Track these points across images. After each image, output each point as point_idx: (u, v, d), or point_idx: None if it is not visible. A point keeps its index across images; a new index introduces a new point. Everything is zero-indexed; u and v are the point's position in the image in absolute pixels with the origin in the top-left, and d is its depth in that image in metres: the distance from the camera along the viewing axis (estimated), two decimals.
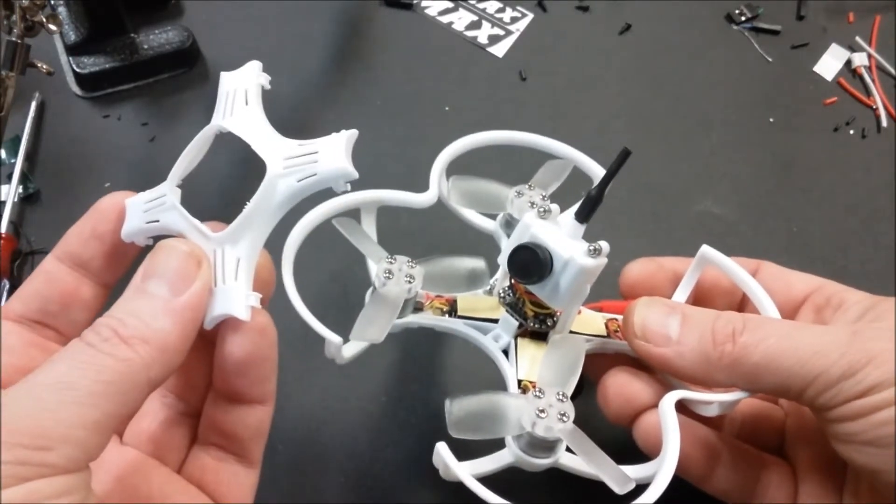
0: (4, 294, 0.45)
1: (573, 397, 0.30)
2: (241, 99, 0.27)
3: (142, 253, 0.28)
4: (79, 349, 0.23)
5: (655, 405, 0.31)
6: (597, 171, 0.37)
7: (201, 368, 0.28)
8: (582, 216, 0.30)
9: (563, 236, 0.30)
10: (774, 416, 0.37)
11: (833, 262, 0.50)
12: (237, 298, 0.25)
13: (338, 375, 0.43)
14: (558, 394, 0.29)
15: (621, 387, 0.34)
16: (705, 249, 0.36)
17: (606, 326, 0.36)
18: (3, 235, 0.47)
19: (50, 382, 0.22)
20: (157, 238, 0.27)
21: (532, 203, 0.34)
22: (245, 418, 0.28)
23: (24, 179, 0.50)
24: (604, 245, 0.29)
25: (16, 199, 0.49)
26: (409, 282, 0.32)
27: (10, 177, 0.49)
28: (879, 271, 0.49)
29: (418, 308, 0.35)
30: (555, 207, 0.31)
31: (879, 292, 0.49)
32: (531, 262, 0.30)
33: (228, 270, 0.25)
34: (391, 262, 0.32)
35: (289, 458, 0.41)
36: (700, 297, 0.38)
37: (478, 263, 0.34)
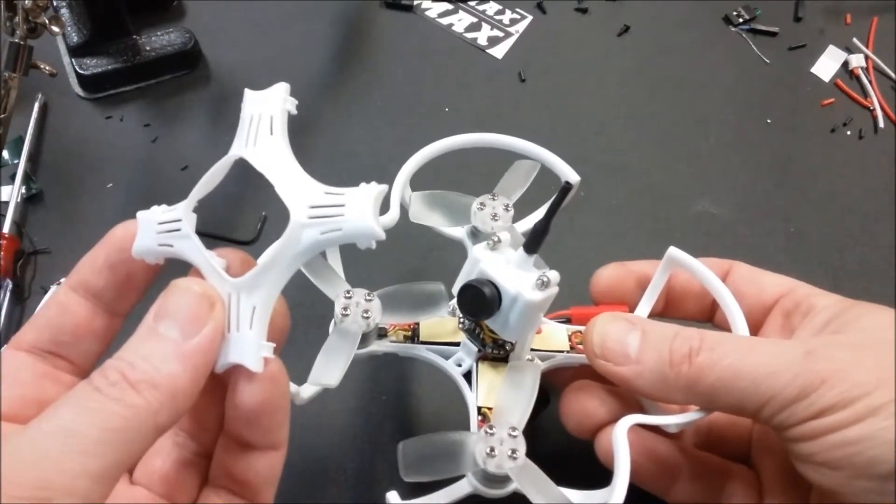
0: (7, 293, 0.45)
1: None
2: (265, 127, 0.26)
3: (156, 284, 0.27)
4: (86, 394, 0.22)
5: (615, 421, 0.31)
6: (564, 170, 0.36)
7: (213, 410, 0.28)
8: (530, 248, 0.30)
9: (512, 269, 0.30)
10: (742, 424, 0.36)
11: (830, 261, 0.50)
12: (250, 348, 0.24)
13: None
14: (510, 429, 0.29)
15: (580, 404, 0.34)
16: (672, 251, 0.35)
17: (570, 339, 0.36)
18: (6, 236, 0.47)
19: (54, 429, 0.21)
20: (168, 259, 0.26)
21: (495, 215, 0.34)
22: (256, 465, 0.27)
23: (27, 180, 0.50)
24: (552, 275, 0.29)
25: (19, 200, 0.49)
26: (366, 317, 0.32)
27: (13, 177, 0.49)
28: (877, 271, 0.49)
29: (382, 334, 0.35)
30: (505, 237, 0.31)
31: (877, 291, 0.49)
32: (478, 301, 0.30)
33: (244, 317, 0.24)
34: (348, 297, 0.32)
35: (288, 458, 0.40)
36: (672, 300, 0.37)
37: (436, 288, 0.33)
